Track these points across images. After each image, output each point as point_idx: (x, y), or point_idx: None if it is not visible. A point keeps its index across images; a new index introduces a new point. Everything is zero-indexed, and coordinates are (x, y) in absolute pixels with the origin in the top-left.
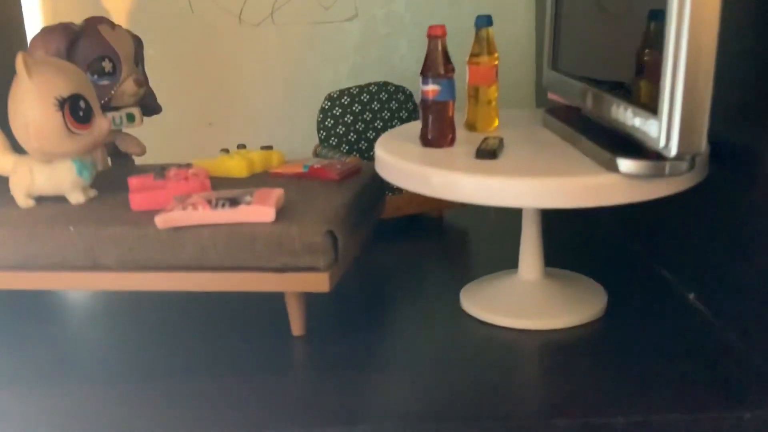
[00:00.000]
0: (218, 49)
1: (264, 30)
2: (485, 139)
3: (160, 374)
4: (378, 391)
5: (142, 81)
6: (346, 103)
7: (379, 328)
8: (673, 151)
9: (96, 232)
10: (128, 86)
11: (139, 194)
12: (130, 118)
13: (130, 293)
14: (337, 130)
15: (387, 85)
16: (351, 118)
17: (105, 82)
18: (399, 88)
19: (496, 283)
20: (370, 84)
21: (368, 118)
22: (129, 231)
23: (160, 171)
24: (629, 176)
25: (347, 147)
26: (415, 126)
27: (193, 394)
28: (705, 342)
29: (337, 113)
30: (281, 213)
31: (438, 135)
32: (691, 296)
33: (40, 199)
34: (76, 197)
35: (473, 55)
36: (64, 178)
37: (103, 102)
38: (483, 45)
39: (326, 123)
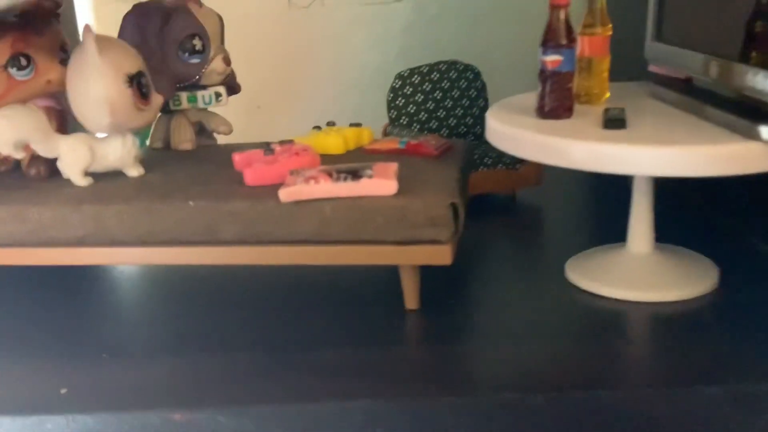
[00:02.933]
0: (267, 31)
1: (313, 12)
2: (606, 109)
3: (278, 345)
4: (490, 363)
5: (229, 60)
6: (416, 81)
7: (487, 301)
8: None
9: (216, 206)
10: (217, 64)
11: (253, 168)
12: (218, 97)
13: (242, 267)
14: (408, 109)
15: (456, 63)
16: (421, 97)
17: (195, 60)
18: (468, 67)
19: (603, 256)
20: (439, 63)
21: (438, 97)
22: (249, 205)
23: (268, 147)
24: None
25: (418, 126)
26: (521, 98)
27: (310, 365)
28: None
29: (408, 92)
30: (399, 186)
31: (557, 106)
32: None
33: (150, 180)
34: (138, 170)
35: (586, 26)
36: (129, 152)
37: (193, 81)
38: (597, 15)
39: (397, 102)
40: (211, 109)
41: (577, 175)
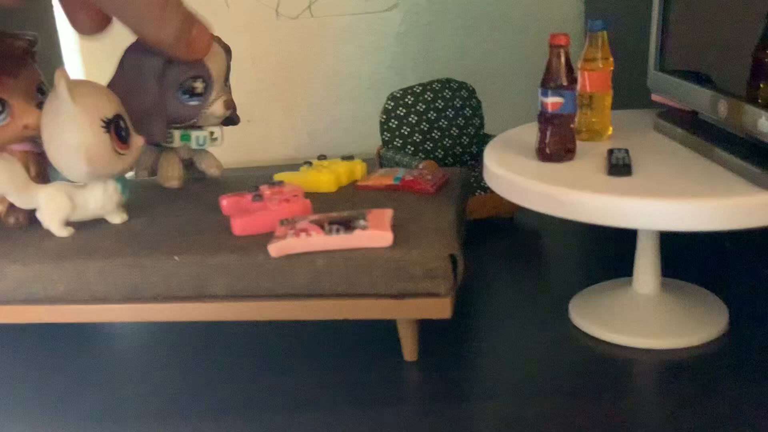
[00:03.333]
0: (256, 43)
1: (302, 23)
2: (611, 151)
3: (268, 406)
4: (489, 421)
5: (231, 104)
6: (410, 102)
7: (488, 350)
8: None
9: (202, 260)
10: (217, 108)
11: (242, 219)
12: (213, 137)
13: (233, 324)
14: (402, 131)
15: (450, 81)
16: (415, 118)
17: (194, 102)
18: (462, 85)
19: (608, 296)
20: (432, 81)
21: (432, 117)
22: (238, 259)
23: (256, 192)
24: None
25: (412, 148)
26: (521, 132)
27: (301, 427)
28: None
29: (401, 113)
30: (396, 235)
31: (559, 149)
32: None
33: (133, 228)
34: (121, 217)
35: (587, 60)
36: (110, 199)
37: (189, 123)
38: (598, 50)
39: (390, 124)
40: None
41: None
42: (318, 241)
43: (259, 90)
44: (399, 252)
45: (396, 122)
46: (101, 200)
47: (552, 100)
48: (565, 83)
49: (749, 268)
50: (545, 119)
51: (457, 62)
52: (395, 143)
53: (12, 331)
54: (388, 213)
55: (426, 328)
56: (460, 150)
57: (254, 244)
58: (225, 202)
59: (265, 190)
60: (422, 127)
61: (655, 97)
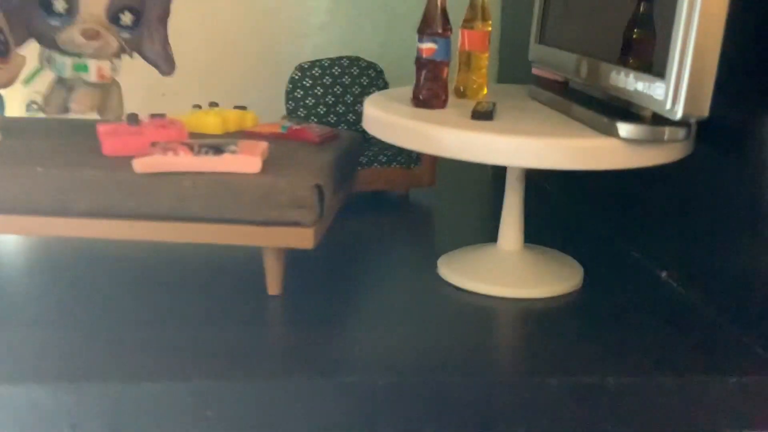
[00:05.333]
0: (181, 18)
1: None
2: (478, 102)
3: (131, 323)
4: (347, 346)
5: (93, 34)
6: (317, 74)
7: (354, 289)
8: (679, 113)
9: (67, 174)
10: (74, 35)
11: (113, 138)
12: (80, 68)
13: (98, 241)
14: (306, 102)
15: (359, 60)
16: (321, 90)
17: (54, 22)
18: (371, 65)
19: (474, 253)
20: (342, 57)
21: (338, 92)
22: (103, 175)
23: (134, 118)
24: (628, 141)
25: (315, 120)
26: (401, 91)
27: (163, 344)
28: (683, 314)
29: (307, 84)
30: (266, 166)
31: (431, 95)
32: (663, 274)
33: (7, 137)
34: None
35: (467, 20)
36: None
37: (47, 45)
38: (477, 10)
39: (295, 93)
40: (90, 81)
41: (470, 176)
42: (185, 160)
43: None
44: (267, 178)
45: (302, 92)
46: None
47: (426, 46)
48: (439, 31)
49: (605, 238)
50: (420, 65)
51: (379, 53)
52: (299, 113)
53: None
54: (260, 144)
55: (292, 270)
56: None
57: (122, 164)
58: (101, 129)
59: (146, 118)
60: (327, 100)
61: (534, 70)
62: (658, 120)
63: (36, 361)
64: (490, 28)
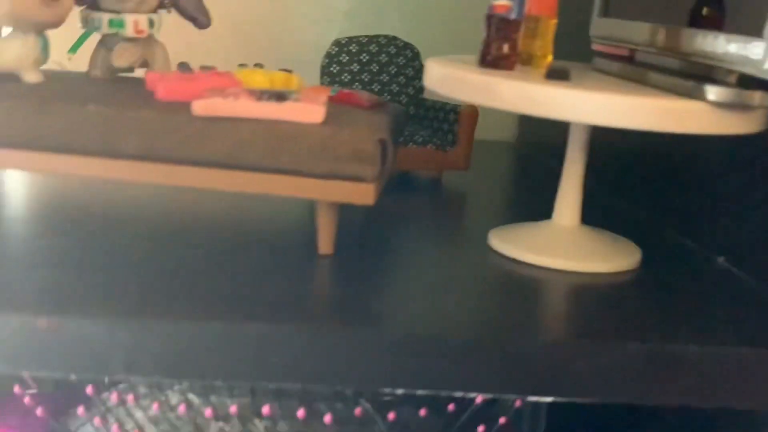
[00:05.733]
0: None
1: None
2: (551, 64)
3: (185, 268)
4: (400, 304)
5: None
6: (353, 51)
7: (404, 257)
8: None
9: (118, 112)
10: None
11: (167, 82)
12: (116, 23)
13: (147, 186)
14: (342, 78)
15: (396, 39)
16: (357, 67)
17: None
18: (408, 45)
19: (528, 228)
20: (379, 35)
21: (375, 70)
22: (156, 116)
23: (186, 65)
24: (715, 105)
25: None
26: (466, 57)
27: (218, 289)
28: (746, 295)
29: (344, 60)
30: (329, 118)
31: (501, 55)
32: (721, 259)
33: (47, 83)
34: (36, 76)
35: None
36: (28, 54)
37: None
38: None
39: (331, 69)
40: (127, 35)
41: (504, 161)
42: (246, 105)
43: (201, 46)
44: (328, 129)
45: (338, 68)
46: (18, 53)
47: (500, 2)
48: None
49: (658, 226)
50: (491, 23)
51: (403, 25)
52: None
53: None
54: (323, 92)
55: (344, 235)
56: None
57: (177, 107)
58: (150, 75)
59: (197, 70)
60: (363, 77)
61: (595, 46)
62: (745, 86)
63: (90, 298)
64: None
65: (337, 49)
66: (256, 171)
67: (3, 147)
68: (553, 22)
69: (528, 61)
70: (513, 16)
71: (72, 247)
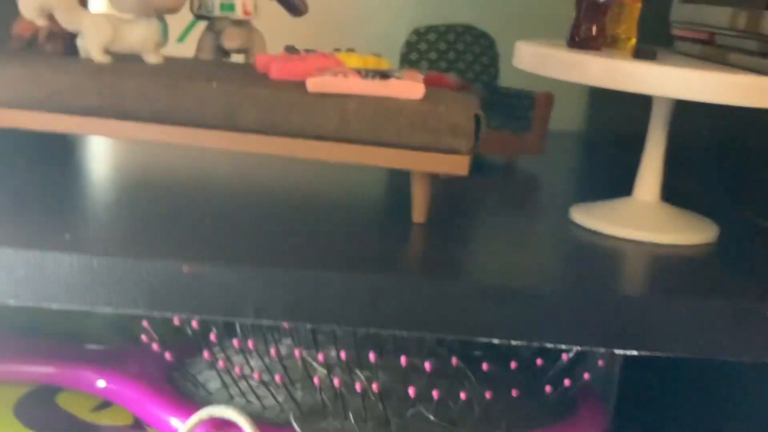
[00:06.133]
0: None
1: None
2: (636, 45)
3: (284, 228)
4: (490, 262)
5: None
6: (432, 39)
7: (491, 228)
8: None
9: (238, 89)
10: None
11: (280, 62)
12: (227, 7)
13: (258, 157)
14: (420, 66)
15: (472, 28)
16: (435, 55)
17: None
18: (483, 34)
19: (609, 203)
20: (456, 24)
21: (452, 58)
22: (272, 93)
23: (293, 48)
24: None
25: None
26: (552, 42)
27: (315, 246)
28: None
29: (423, 48)
30: (427, 95)
31: (589, 36)
32: None
33: (171, 62)
34: (156, 57)
35: None
36: (150, 37)
37: None
38: None
39: (410, 57)
40: (236, 18)
41: (575, 149)
42: (354, 83)
43: (277, 33)
44: (427, 105)
45: (417, 56)
46: (142, 36)
47: None
48: None
49: (736, 207)
50: (581, 5)
51: (480, 22)
52: None
53: (42, 138)
54: (419, 74)
55: (434, 209)
56: None
57: (289, 84)
58: (260, 58)
59: (302, 51)
60: (440, 65)
61: (675, 31)
62: None
63: (227, 244)
64: None
65: (416, 37)
66: (360, 143)
67: (136, 120)
68: (638, 5)
69: (613, 43)
70: None
71: (206, 206)
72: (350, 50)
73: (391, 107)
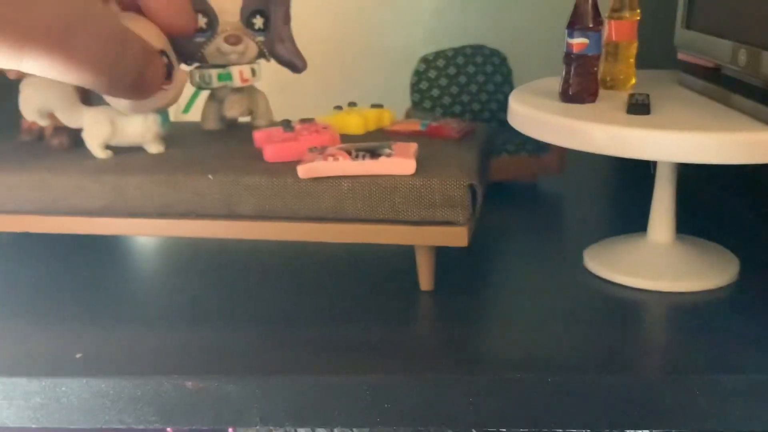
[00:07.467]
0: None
1: None
2: (631, 94)
3: (289, 319)
4: (502, 343)
5: (236, 40)
6: (441, 65)
7: (502, 286)
8: None
9: (234, 180)
10: (219, 44)
11: (273, 145)
12: (224, 77)
13: (259, 242)
14: (431, 93)
15: (482, 47)
16: (446, 81)
17: (199, 38)
18: (494, 52)
19: (623, 245)
20: (465, 46)
21: (463, 82)
22: (267, 180)
23: (288, 124)
24: None
25: (441, 110)
26: (544, 82)
27: (319, 339)
28: None
29: (432, 76)
30: (419, 167)
31: (581, 90)
32: None
33: (170, 154)
34: (157, 148)
35: (614, 10)
36: (149, 129)
37: (196, 61)
38: (625, 0)
39: (420, 86)
40: (234, 88)
41: (599, 163)
42: (344, 165)
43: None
44: (420, 179)
45: (426, 84)
46: (140, 129)
47: (577, 41)
48: (590, 25)
49: (761, 228)
50: (570, 60)
51: (490, 38)
52: (424, 105)
53: (47, 240)
54: (412, 145)
55: (443, 265)
56: (488, 115)
57: (284, 169)
58: (257, 135)
59: (297, 124)
60: (452, 90)
61: (680, 55)
62: None
63: (227, 357)
64: (638, 17)
65: (424, 66)
66: (356, 222)
67: (139, 216)
68: (634, 45)
69: (612, 85)
70: (591, 52)
71: (198, 307)
72: (352, 104)
73: (385, 185)
